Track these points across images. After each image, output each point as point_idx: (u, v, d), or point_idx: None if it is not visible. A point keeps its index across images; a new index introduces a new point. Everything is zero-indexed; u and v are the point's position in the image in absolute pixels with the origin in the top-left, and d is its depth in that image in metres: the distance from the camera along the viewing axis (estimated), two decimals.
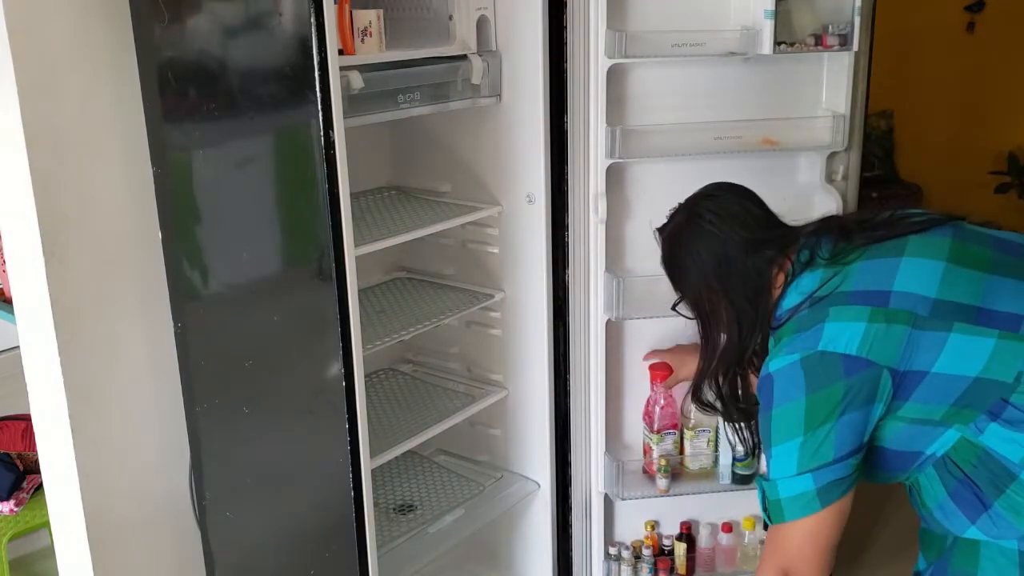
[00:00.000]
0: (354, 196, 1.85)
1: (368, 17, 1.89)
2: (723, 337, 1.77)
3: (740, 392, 1.83)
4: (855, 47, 2.29)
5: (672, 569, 2.59)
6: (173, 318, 2.08)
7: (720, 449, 2.48)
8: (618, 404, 2.54)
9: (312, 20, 1.63)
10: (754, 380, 1.74)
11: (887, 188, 5.25)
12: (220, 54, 1.83)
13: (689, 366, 2.16)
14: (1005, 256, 1.62)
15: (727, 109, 2.37)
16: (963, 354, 1.52)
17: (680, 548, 2.59)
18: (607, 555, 2.59)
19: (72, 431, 2.01)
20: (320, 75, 1.65)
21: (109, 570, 2.13)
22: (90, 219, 1.98)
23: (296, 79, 1.68)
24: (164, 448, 2.18)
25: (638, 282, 2.32)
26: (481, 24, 2.18)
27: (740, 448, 2.47)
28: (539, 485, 2.48)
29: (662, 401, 2.41)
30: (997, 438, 1.54)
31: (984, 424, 1.55)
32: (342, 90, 1.71)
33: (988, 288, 1.56)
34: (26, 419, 2.54)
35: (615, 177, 2.34)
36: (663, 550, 2.61)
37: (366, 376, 1.90)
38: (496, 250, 2.39)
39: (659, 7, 2.28)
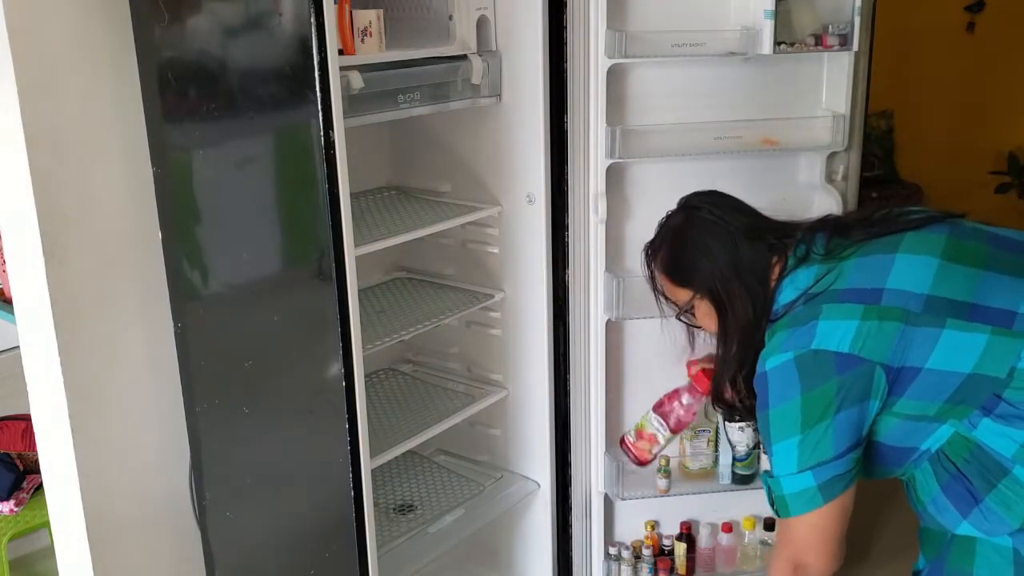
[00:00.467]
0: (354, 196, 1.85)
1: (368, 17, 1.89)
2: (738, 325, 1.75)
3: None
4: (855, 47, 2.29)
5: (672, 569, 2.60)
6: (173, 318, 2.08)
7: (720, 449, 2.48)
8: (618, 404, 2.54)
9: (312, 20, 1.63)
10: None
11: (887, 188, 5.24)
12: (220, 54, 1.83)
13: None
14: (1000, 252, 1.63)
15: (727, 109, 2.37)
16: (956, 350, 1.53)
17: (680, 548, 2.59)
18: (607, 555, 2.59)
19: (72, 431, 2.01)
20: (320, 75, 1.65)
21: (109, 570, 2.13)
22: (90, 219, 1.98)
23: (296, 79, 1.68)
24: (164, 448, 2.18)
25: (638, 282, 2.30)
26: (481, 24, 2.18)
27: (740, 448, 2.47)
28: (539, 485, 2.48)
29: (686, 400, 2.37)
30: (990, 433, 1.55)
31: (977, 419, 1.56)
32: (342, 90, 1.71)
33: (982, 284, 1.57)
34: (26, 419, 2.53)
35: (615, 177, 2.34)
36: (663, 550, 2.61)
37: (366, 376, 1.90)
38: (496, 250, 2.39)
39: (659, 7, 2.28)
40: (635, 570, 2.59)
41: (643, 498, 2.49)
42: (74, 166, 1.94)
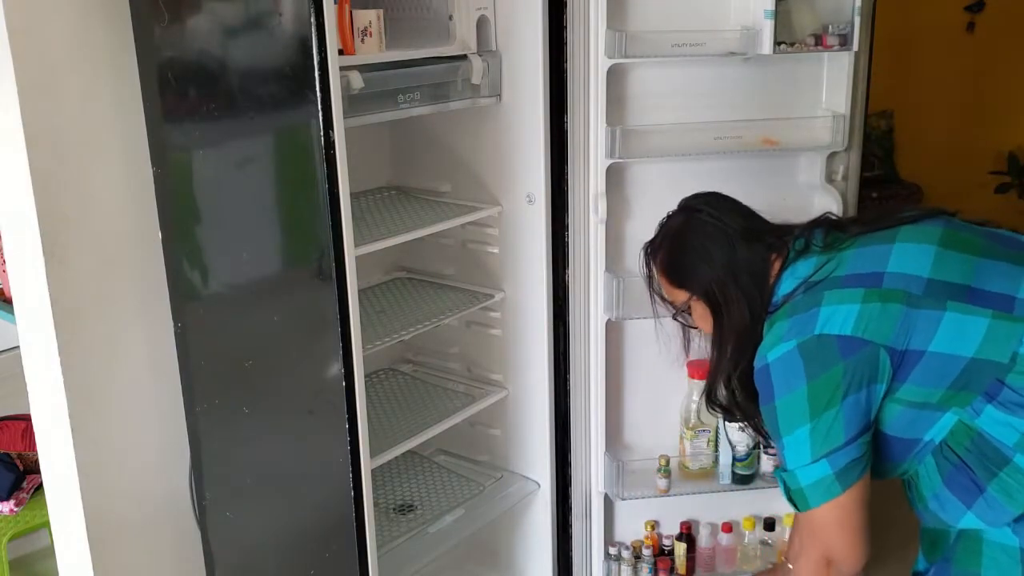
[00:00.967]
0: (354, 196, 1.85)
1: (368, 17, 1.89)
2: (733, 328, 1.77)
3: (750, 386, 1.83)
4: (855, 47, 2.29)
5: (672, 569, 2.59)
6: (173, 318, 2.08)
7: (720, 449, 2.48)
8: (618, 404, 2.54)
9: (312, 20, 1.63)
10: None
11: (887, 188, 5.24)
12: (220, 54, 1.83)
13: None
14: (994, 244, 1.65)
15: (727, 109, 2.37)
16: (958, 333, 1.54)
17: (680, 548, 2.59)
18: (607, 555, 2.59)
19: (72, 431, 2.01)
20: (320, 75, 1.65)
21: (109, 570, 2.13)
22: (90, 219, 1.98)
23: (296, 79, 1.68)
24: (164, 448, 2.18)
25: (638, 282, 2.30)
26: (481, 24, 2.18)
27: (740, 448, 2.47)
28: (539, 485, 2.48)
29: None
30: (992, 421, 1.56)
31: (981, 406, 1.56)
32: (342, 90, 1.71)
33: (979, 269, 1.58)
34: (26, 419, 2.54)
35: (615, 177, 2.34)
36: (663, 550, 2.61)
37: (366, 376, 1.90)
38: (496, 250, 2.39)
39: (659, 7, 2.28)
40: (635, 570, 2.59)
41: (643, 498, 2.49)
42: (74, 166, 1.94)
